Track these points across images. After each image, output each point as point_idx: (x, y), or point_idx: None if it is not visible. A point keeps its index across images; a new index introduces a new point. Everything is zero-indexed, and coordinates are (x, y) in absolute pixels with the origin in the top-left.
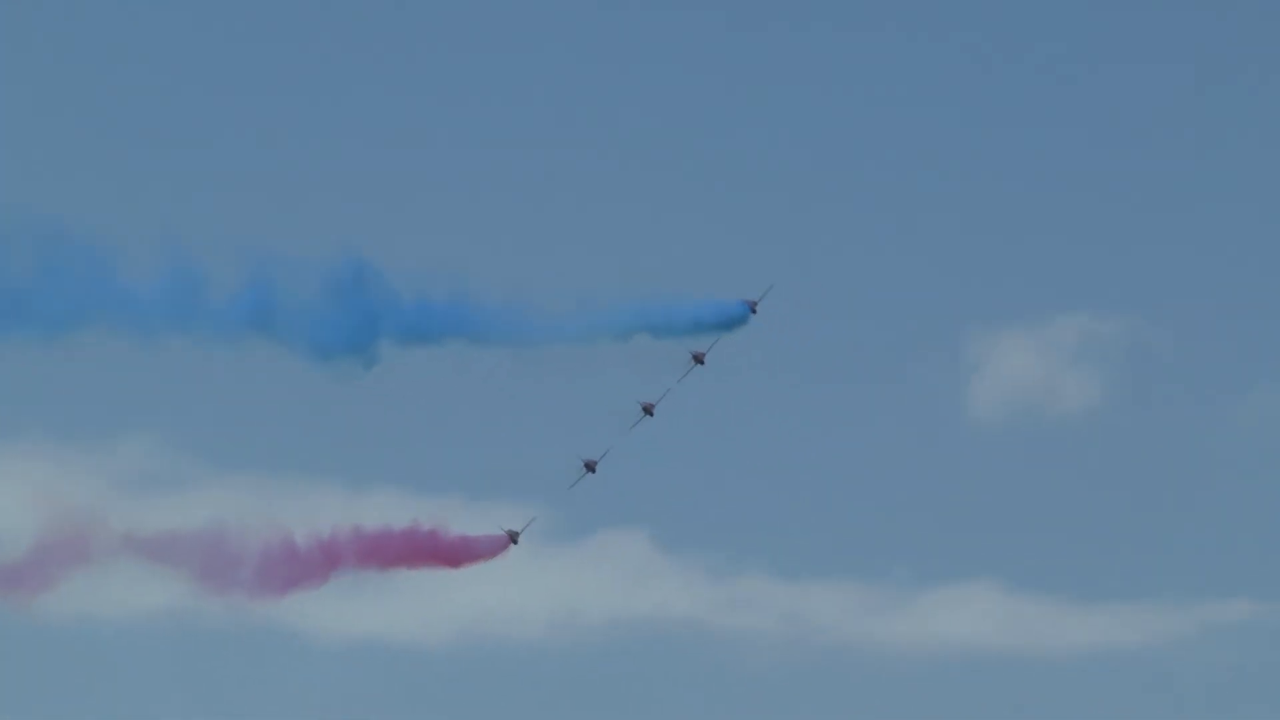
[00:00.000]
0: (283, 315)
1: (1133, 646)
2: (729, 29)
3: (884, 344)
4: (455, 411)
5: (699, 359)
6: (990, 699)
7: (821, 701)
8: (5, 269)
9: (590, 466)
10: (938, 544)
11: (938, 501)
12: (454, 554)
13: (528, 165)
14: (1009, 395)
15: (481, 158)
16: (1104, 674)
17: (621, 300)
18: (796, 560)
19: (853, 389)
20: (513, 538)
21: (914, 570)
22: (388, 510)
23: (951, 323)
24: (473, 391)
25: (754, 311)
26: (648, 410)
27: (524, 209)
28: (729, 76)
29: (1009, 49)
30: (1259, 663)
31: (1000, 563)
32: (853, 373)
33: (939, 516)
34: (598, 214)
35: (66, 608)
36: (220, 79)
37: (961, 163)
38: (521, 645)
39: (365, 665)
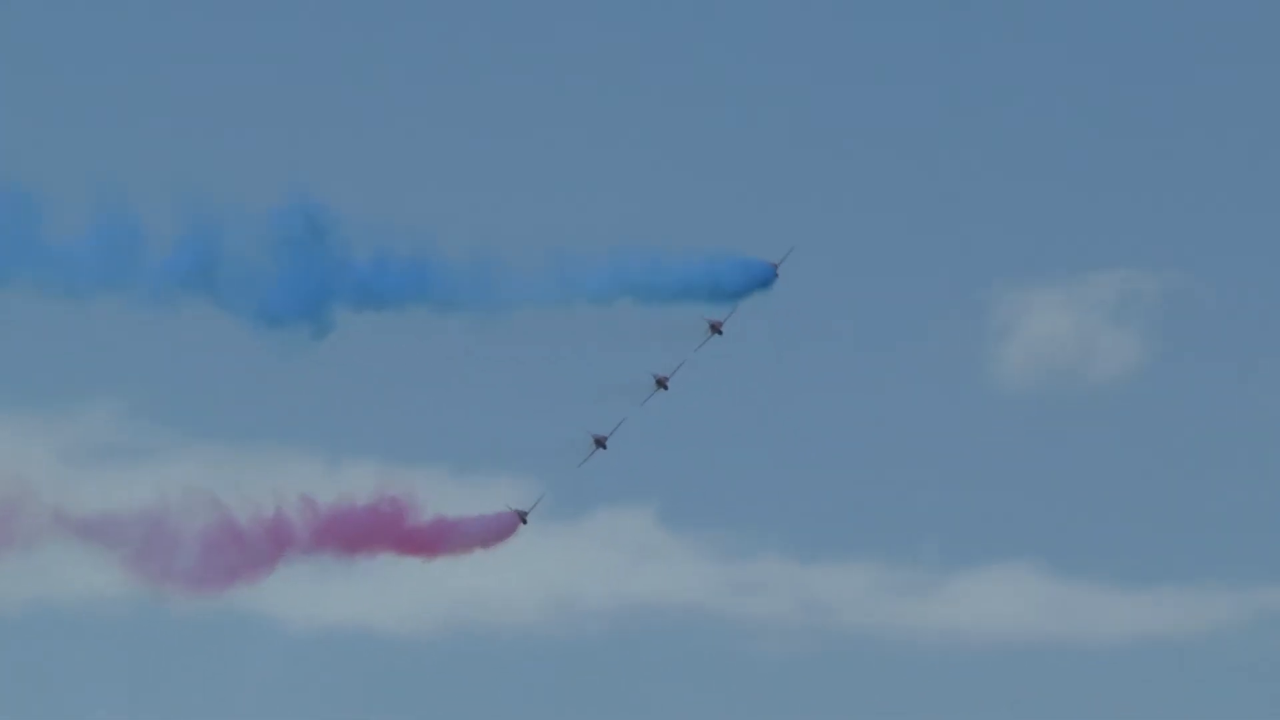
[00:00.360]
0: (226, 275)
1: (1184, 633)
2: None
3: (906, 306)
4: (438, 381)
5: (716, 328)
6: (1029, 691)
7: (842, 694)
8: None
9: (600, 442)
10: (970, 522)
11: (969, 476)
12: (454, 538)
13: (509, 100)
14: (1041, 359)
15: (449, 93)
16: (1153, 663)
17: (629, 261)
18: (815, 540)
19: (874, 356)
20: (521, 518)
21: (944, 551)
22: (365, 488)
23: (978, 281)
24: (461, 359)
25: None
26: (661, 383)
27: (506, 153)
28: (739, 8)
29: None
30: None
31: (1039, 543)
32: (874, 338)
33: (971, 492)
34: (599, 161)
35: (6, 592)
36: (153, 6)
37: (987, 107)
38: (513, 633)
39: (337, 655)
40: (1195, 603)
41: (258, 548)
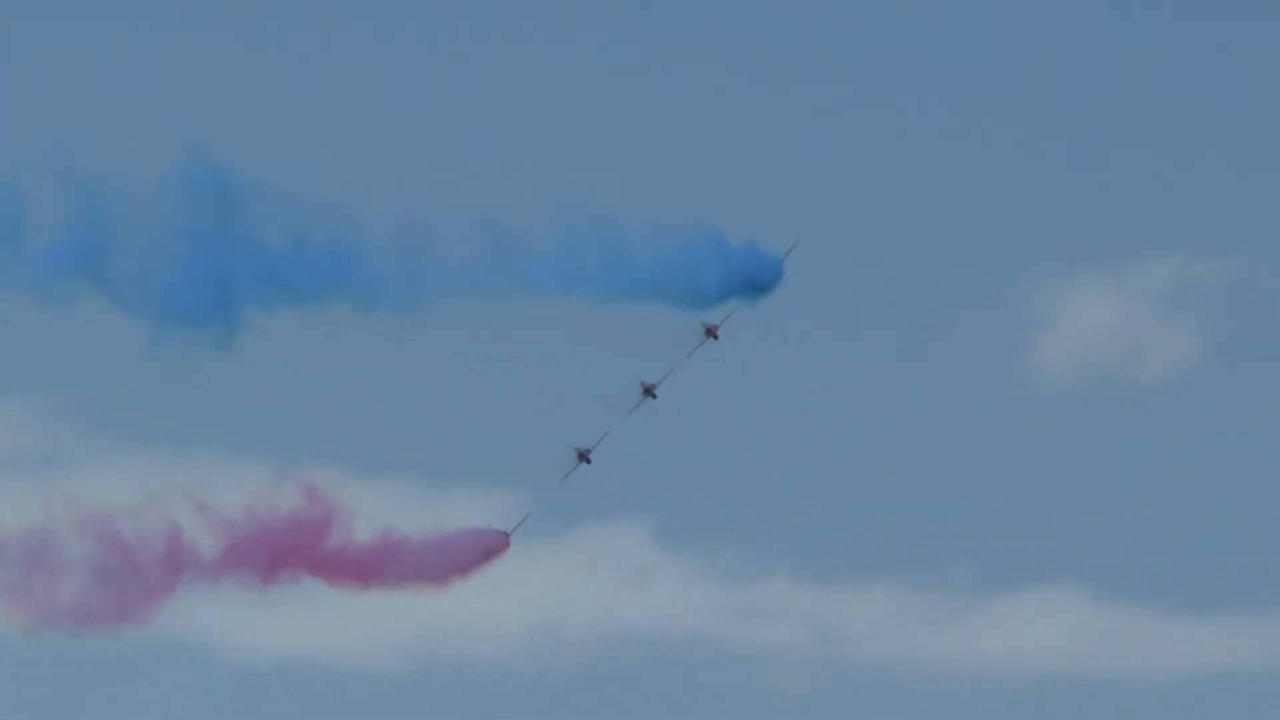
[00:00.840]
0: (118, 263)
1: (1248, 667)
2: None
3: (929, 299)
4: (394, 385)
5: (712, 332)
6: None
7: None
8: None
9: (584, 456)
10: (1005, 541)
11: (1003, 489)
12: (406, 561)
13: (443, 51)
14: (1084, 357)
15: (370, 44)
16: (1213, 701)
17: (616, 252)
18: (830, 561)
19: (894, 355)
20: (503, 541)
21: (975, 573)
22: (286, 502)
23: (1010, 269)
24: (402, 360)
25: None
26: (649, 391)
27: (442, 116)
28: None
29: None
30: None
31: (1083, 564)
32: (893, 336)
33: (1006, 507)
34: (562, 129)
35: None
36: None
37: (1021, 72)
38: (487, 666)
39: (287, 692)
40: (1261, 633)
41: (152, 573)
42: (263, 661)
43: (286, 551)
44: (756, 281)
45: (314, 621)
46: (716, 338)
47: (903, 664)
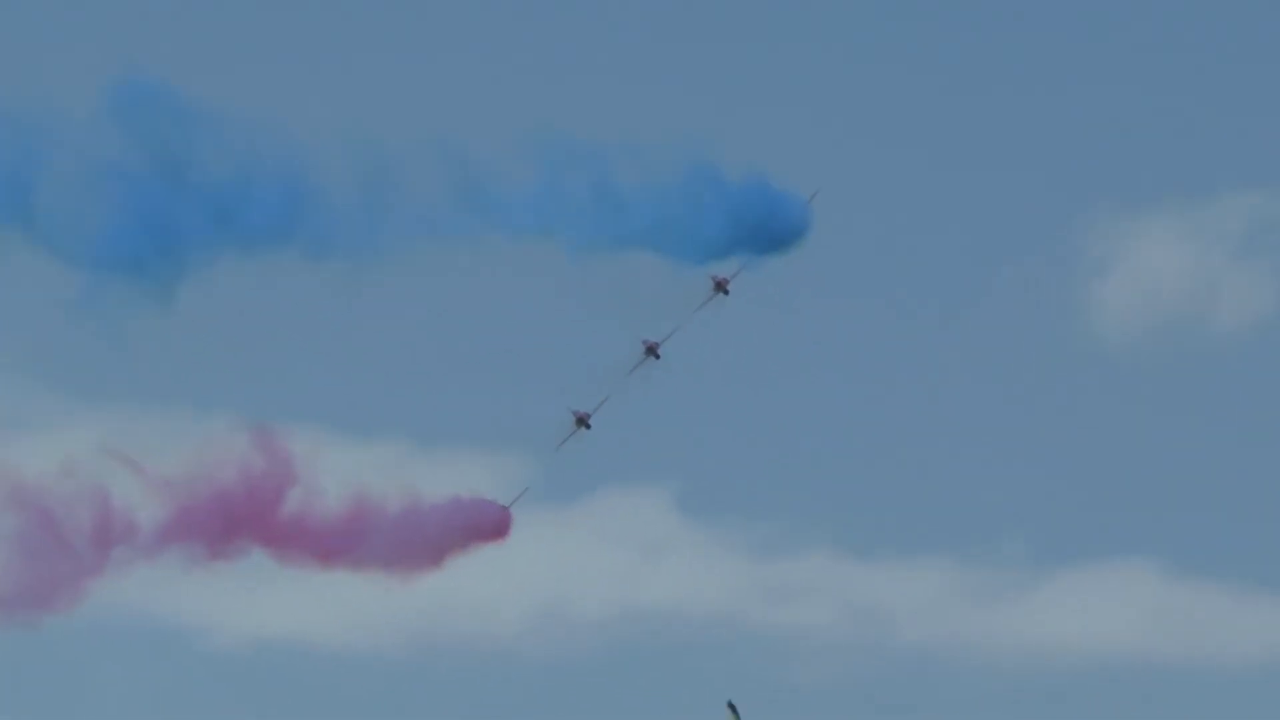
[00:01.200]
0: (41, 205)
1: None
2: None
3: (977, 242)
4: (354, 338)
5: (722, 286)
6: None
7: None
8: None
9: (583, 420)
10: (1065, 511)
11: (1062, 454)
12: (414, 542)
13: None
14: (1150, 305)
15: None
16: None
17: (607, 189)
18: (870, 533)
19: (939, 305)
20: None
21: (1032, 546)
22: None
23: (1069, 208)
24: (371, 311)
25: None
26: (652, 351)
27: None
28: None
29: None
30: None
31: (1152, 536)
32: (938, 284)
33: (1065, 474)
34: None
35: None
36: None
37: None
38: (493, 649)
39: (266, 675)
40: None
41: (79, 549)
42: (237, 645)
43: (237, 519)
44: (778, 230)
45: (292, 599)
46: (727, 293)
47: (951, 648)
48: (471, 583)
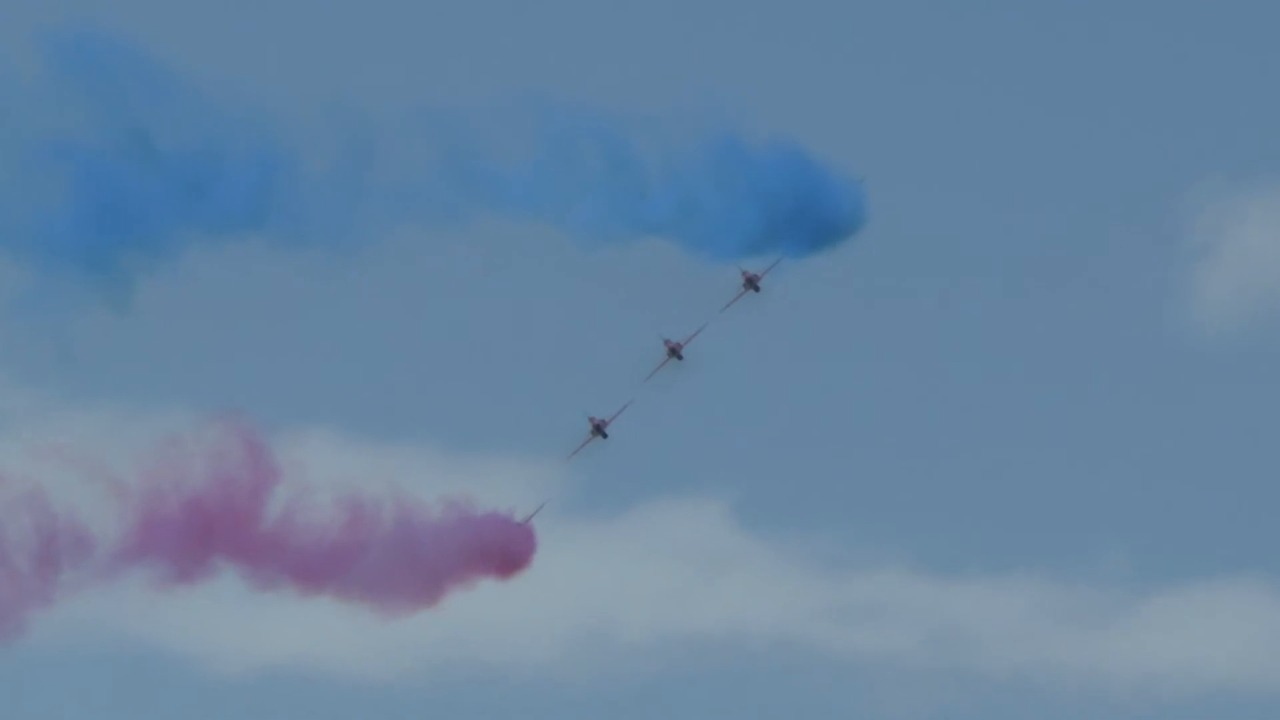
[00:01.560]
0: None
1: None
2: None
3: (1070, 223)
4: (335, 333)
5: (753, 283)
6: None
7: None
8: None
9: (600, 428)
10: (1168, 524)
11: (1164, 458)
12: (419, 565)
13: None
14: (1257, 290)
15: None
16: None
17: (619, 163)
18: (952, 548)
19: (1027, 294)
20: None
21: (1132, 563)
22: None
23: (1170, 186)
24: (350, 303)
25: None
26: (675, 352)
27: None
28: None
29: None
30: None
31: (1266, 551)
32: (1025, 271)
33: (1168, 482)
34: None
35: None
36: None
37: None
38: (526, 678)
39: (279, 709)
40: None
41: (27, 570)
42: (251, 672)
43: (209, 533)
44: (825, 218)
45: (312, 622)
46: (758, 290)
47: (1042, 674)
48: (502, 604)
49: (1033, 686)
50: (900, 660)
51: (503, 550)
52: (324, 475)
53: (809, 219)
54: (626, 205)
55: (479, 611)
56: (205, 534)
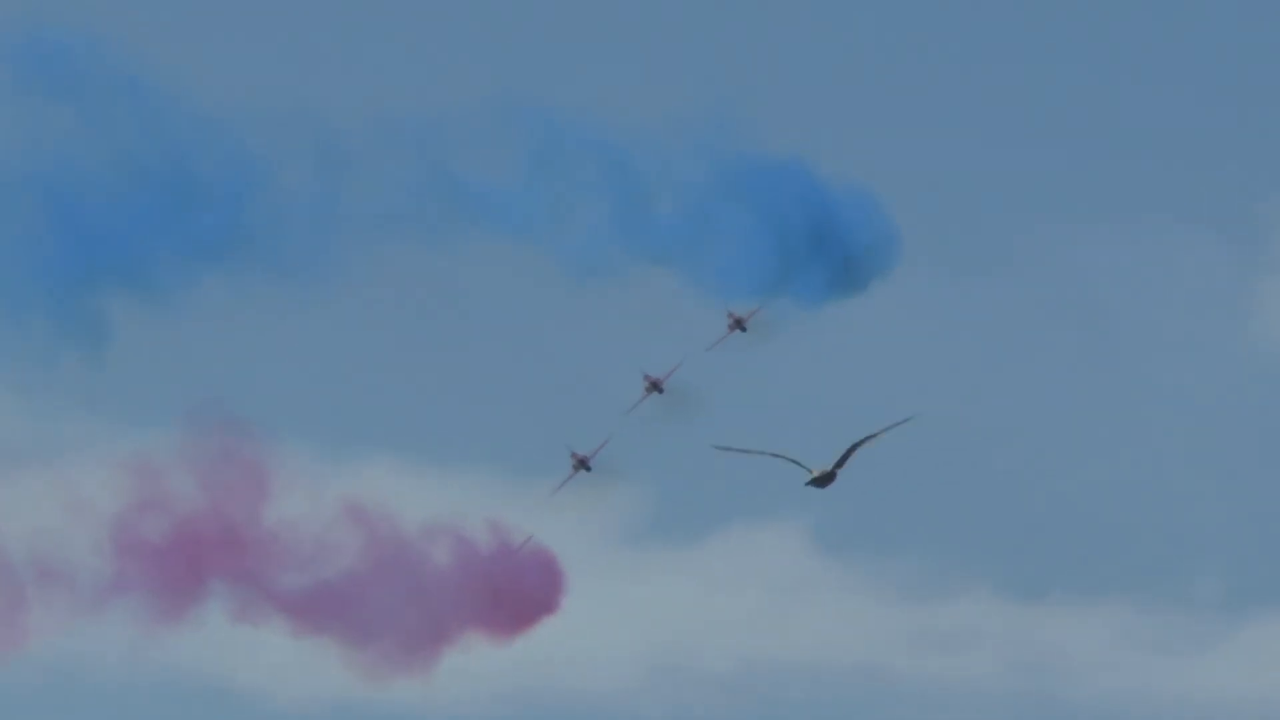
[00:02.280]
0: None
1: None
2: None
3: (1141, 232)
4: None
5: (740, 324)
6: None
7: None
8: None
9: (583, 463)
10: (1263, 547)
11: (1257, 479)
12: (435, 606)
13: None
14: None
15: None
16: None
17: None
18: (1038, 573)
19: (1097, 313)
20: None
21: (1225, 589)
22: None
23: (1249, 192)
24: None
25: None
26: (655, 386)
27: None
28: None
29: None
30: None
31: None
32: (1093, 286)
33: (1264, 502)
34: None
35: None
36: None
37: None
38: (598, 710)
39: None
40: None
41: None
42: (297, 709)
43: (199, 559)
44: (850, 255)
45: None
46: (745, 330)
47: (1130, 703)
48: (573, 632)
49: (1120, 716)
50: (983, 688)
51: (528, 593)
52: (314, 499)
53: (828, 254)
54: (621, 230)
55: (555, 638)
56: (194, 562)
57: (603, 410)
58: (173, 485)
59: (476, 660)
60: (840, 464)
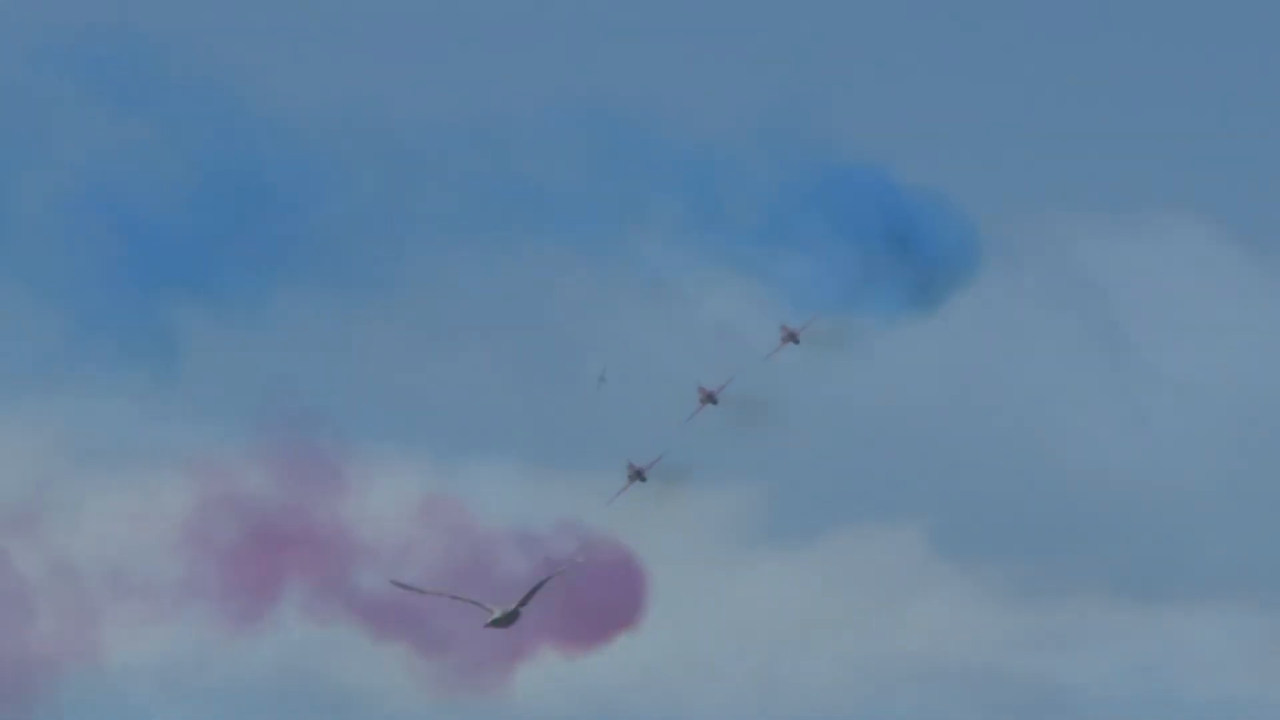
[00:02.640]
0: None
1: None
2: None
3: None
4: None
5: (793, 336)
6: None
7: None
8: None
9: (639, 474)
10: None
11: None
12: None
13: None
14: None
15: None
16: None
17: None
18: (1159, 573)
19: (1214, 320)
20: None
21: None
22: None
23: None
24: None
25: None
26: (710, 398)
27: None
28: None
29: None
30: None
31: None
32: (1216, 295)
33: None
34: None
35: None
36: None
37: None
38: (718, 706)
39: None
40: None
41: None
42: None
43: (277, 561)
44: (932, 264)
45: None
46: (798, 342)
47: (1250, 708)
48: (673, 636)
49: (1237, 716)
50: (1107, 688)
51: (605, 607)
52: (389, 503)
53: (907, 265)
54: (693, 237)
55: (666, 638)
56: (271, 565)
57: (659, 420)
58: (249, 489)
59: (593, 663)
60: (524, 602)
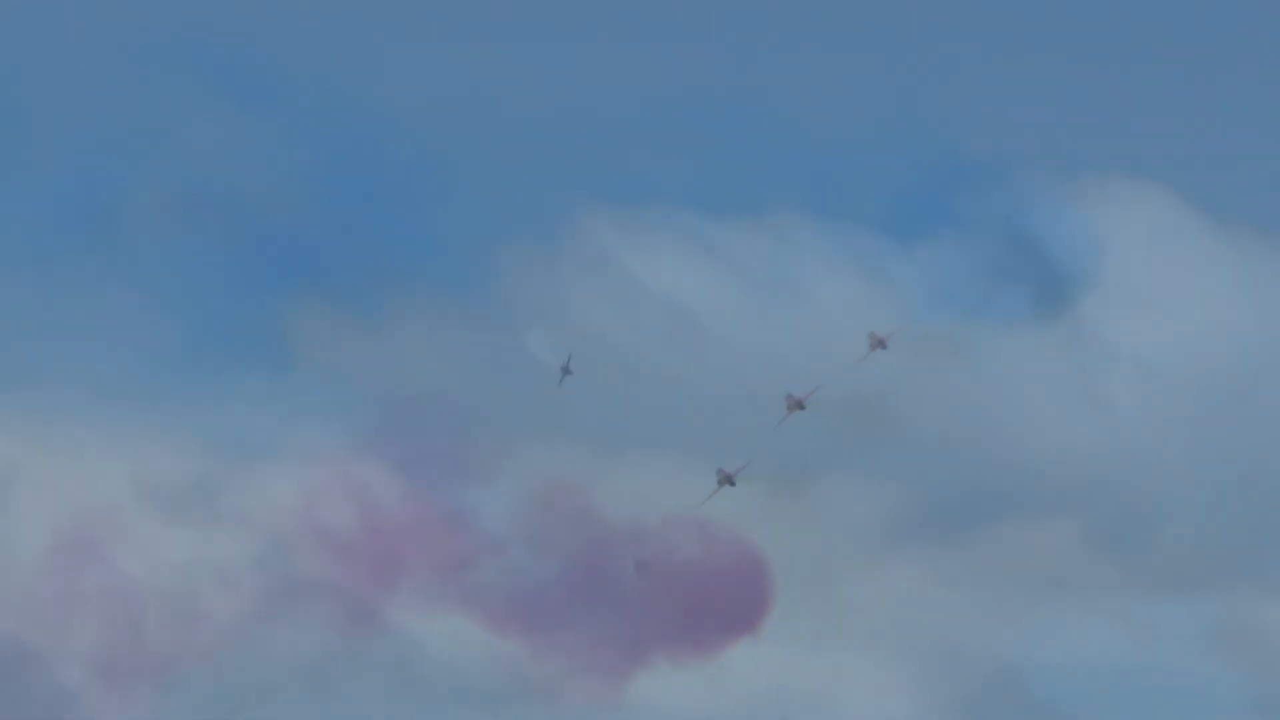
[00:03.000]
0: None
1: None
2: None
3: None
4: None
5: (881, 343)
6: None
7: None
8: None
9: (728, 479)
10: None
11: None
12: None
13: None
14: None
15: None
16: None
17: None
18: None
19: None
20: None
21: None
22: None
23: None
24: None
25: None
26: (797, 405)
27: None
28: None
29: None
30: None
31: None
32: None
33: None
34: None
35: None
36: None
37: None
38: (860, 702)
39: None
40: None
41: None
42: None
43: (393, 559)
44: (1055, 268)
45: None
46: (885, 348)
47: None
48: (833, 627)
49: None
50: (1256, 688)
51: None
52: (507, 495)
53: (1030, 271)
54: (813, 236)
55: (803, 636)
56: (389, 560)
57: (749, 426)
58: (367, 485)
59: (730, 677)
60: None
